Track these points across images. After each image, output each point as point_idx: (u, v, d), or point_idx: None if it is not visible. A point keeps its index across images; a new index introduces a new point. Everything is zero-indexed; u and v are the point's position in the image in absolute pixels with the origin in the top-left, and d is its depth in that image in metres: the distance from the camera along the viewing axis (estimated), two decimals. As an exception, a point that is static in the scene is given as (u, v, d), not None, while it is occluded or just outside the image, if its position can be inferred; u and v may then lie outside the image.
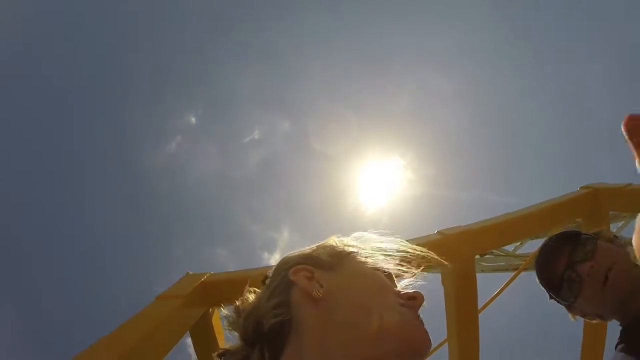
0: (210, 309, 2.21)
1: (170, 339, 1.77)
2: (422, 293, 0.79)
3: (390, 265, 0.83)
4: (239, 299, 0.82)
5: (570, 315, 1.60)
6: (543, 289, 1.63)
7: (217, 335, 2.22)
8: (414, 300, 0.77)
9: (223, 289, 2.17)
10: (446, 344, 2.54)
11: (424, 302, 0.78)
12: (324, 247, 0.87)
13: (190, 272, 2.23)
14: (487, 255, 6.29)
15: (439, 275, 2.52)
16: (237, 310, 0.78)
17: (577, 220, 2.91)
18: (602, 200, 2.67)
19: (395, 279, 0.84)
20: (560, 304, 1.57)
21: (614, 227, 4.28)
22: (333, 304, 0.72)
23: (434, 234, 2.44)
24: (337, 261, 0.82)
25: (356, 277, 0.79)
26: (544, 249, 1.60)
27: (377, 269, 0.81)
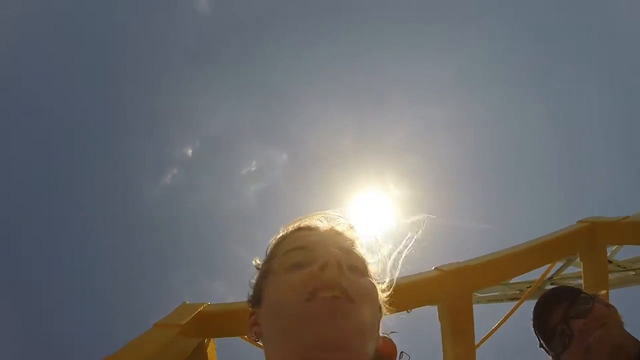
0: (206, 340, 2.19)
1: (165, 369, 1.75)
2: (336, 252, 0.82)
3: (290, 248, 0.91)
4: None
5: None
6: (535, 335, 1.68)
7: (211, 366, 2.19)
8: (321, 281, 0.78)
9: (219, 320, 2.16)
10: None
11: (340, 260, 0.80)
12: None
13: (187, 302, 2.22)
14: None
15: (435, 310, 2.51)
16: None
17: (575, 254, 2.92)
18: (599, 234, 2.68)
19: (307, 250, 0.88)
20: (548, 353, 1.63)
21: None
22: (265, 337, 0.86)
23: (432, 270, 2.44)
24: (261, 289, 0.91)
25: (270, 304, 0.85)
26: (544, 298, 1.67)
27: (287, 269, 0.86)
